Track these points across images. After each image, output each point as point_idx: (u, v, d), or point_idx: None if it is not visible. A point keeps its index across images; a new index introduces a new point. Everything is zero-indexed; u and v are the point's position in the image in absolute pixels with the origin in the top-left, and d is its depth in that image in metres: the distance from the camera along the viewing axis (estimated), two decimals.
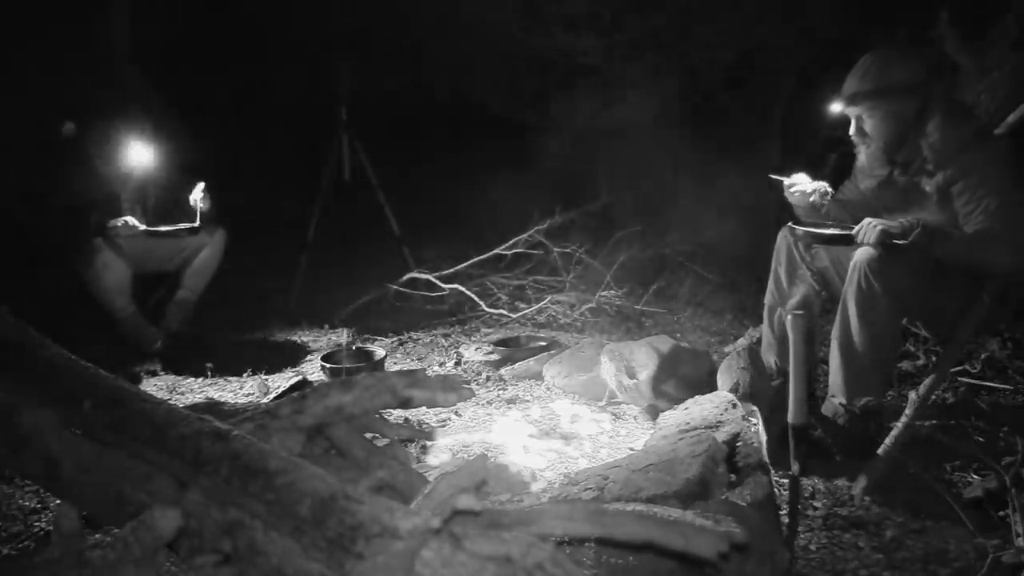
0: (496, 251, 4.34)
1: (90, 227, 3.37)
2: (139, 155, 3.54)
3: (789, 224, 2.67)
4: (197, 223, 3.54)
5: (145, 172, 3.60)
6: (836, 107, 2.53)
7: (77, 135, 3.46)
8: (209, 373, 3.36)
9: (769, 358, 2.87)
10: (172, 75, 4.61)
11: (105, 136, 3.47)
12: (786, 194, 2.71)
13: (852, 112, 2.47)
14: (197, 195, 3.56)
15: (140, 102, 3.63)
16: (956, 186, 2.32)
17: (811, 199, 2.66)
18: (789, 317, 1.87)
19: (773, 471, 2.10)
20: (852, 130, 2.50)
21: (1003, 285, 2.35)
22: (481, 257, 4.36)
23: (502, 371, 3.32)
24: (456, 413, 2.83)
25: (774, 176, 2.71)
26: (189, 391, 3.18)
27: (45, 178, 3.51)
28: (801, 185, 2.66)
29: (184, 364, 3.45)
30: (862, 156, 2.56)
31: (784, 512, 1.91)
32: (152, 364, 3.46)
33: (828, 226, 2.60)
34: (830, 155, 2.71)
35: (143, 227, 3.43)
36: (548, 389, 3.12)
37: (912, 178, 2.46)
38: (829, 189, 2.65)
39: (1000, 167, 2.30)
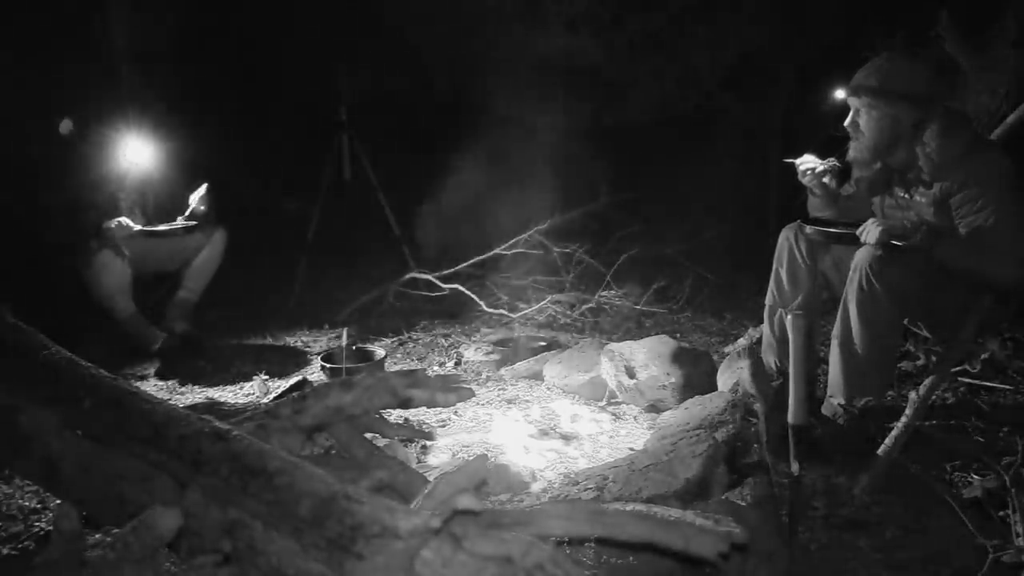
0: (496, 251, 4.34)
1: (88, 227, 3.37)
2: (138, 155, 3.54)
3: (799, 222, 2.66)
4: (193, 223, 3.55)
5: (144, 172, 3.60)
6: (840, 94, 2.53)
7: (75, 133, 3.45)
8: (209, 373, 3.36)
9: (769, 358, 2.87)
10: (172, 75, 4.61)
11: (103, 135, 3.46)
12: (800, 178, 2.69)
13: (853, 103, 2.47)
14: (197, 196, 3.57)
15: (139, 101, 3.63)
16: (955, 198, 2.31)
17: (824, 179, 2.65)
18: (789, 317, 1.87)
19: (773, 471, 2.10)
20: (848, 121, 2.50)
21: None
22: (481, 257, 4.36)
23: (502, 371, 3.32)
24: (456, 413, 2.83)
25: (787, 159, 2.71)
26: (189, 391, 3.18)
27: (43, 178, 3.51)
28: (812, 164, 2.65)
29: (184, 364, 3.45)
30: (851, 149, 2.56)
31: (784, 512, 1.91)
32: (153, 364, 3.46)
33: (837, 224, 2.60)
34: (830, 156, 2.71)
35: (138, 227, 3.43)
36: (548, 389, 3.12)
37: (909, 187, 2.46)
38: (839, 164, 2.65)
39: (999, 177, 2.29)
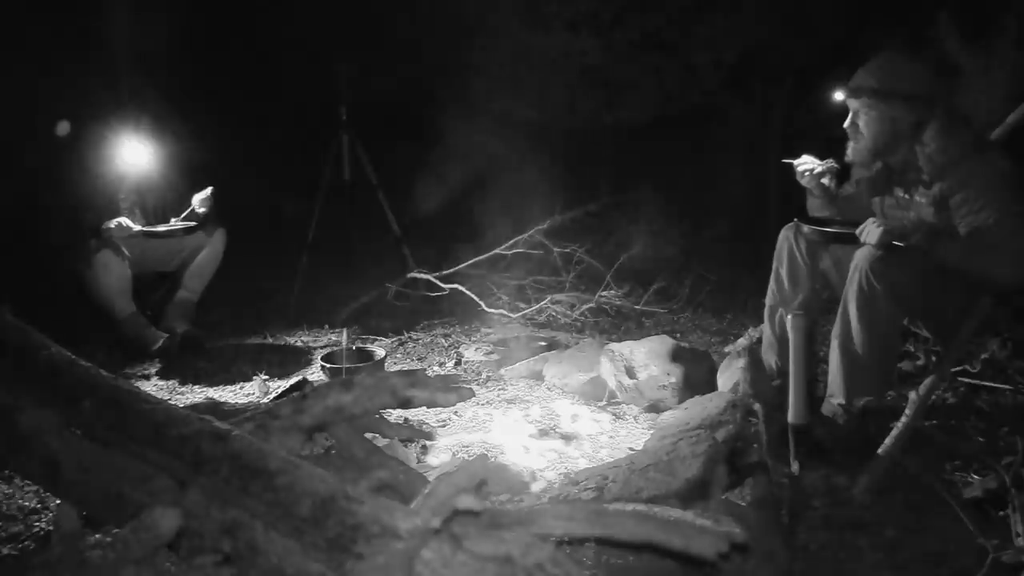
0: (496, 251, 4.34)
1: (87, 228, 3.37)
2: (136, 155, 3.53)
3: (795, 219, 2.66)
4: (193, 224, 3.55)
5: (143, 172, 3.59)
6: (839, 95, 2.52)
7: (73, 135, 3.45)
8: (209, 373, 3.36)
9: (769, 358, 2.86)
10: (173, 75, 4.61)
11: (102, 136, 3.46)
12: (798, 178, 2.70)
13: (852, 104, 2.47)
14: (199, 198, 3.56)
15: (138, 102, 3.63)
16: (955, 198, 2.31)
17: (823, 179, 2.65)
18: (790, 317, 1.88)
19: (773, 471, 2.09)
20: (847, 122, 2.50)
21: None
22: (481, 257, 4.36)
23: (502, 371, 3.32)
24: (456, 413, 2.83)
25: (785, 160, 2.71)
26: (189, 391, 3.18)
27: (42, 179, 3.50)
28: (810, 165, 2.65)
29: (184, 364, 3.45)
30: (849, 149, 2.55)
31: (784, 512, 1.91)
32: (153, 364, 3.45)
33: (835, 223, 2.59)
34: (829, 157, 2.71)
35: (137, 228, 3.43)
36: (548, 389, 3.12)
37: (909, 188, 2.46)
38: (836, 166, 2.65)
39: (999, 178, 2.28)
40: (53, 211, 3.47)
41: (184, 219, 3.58)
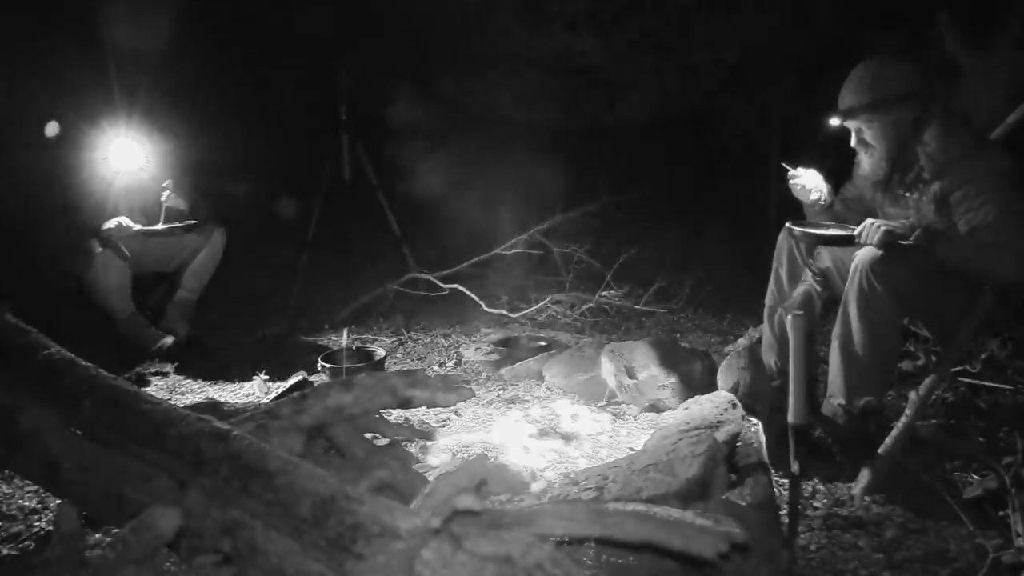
0: (496, 251, 4.34)
1: (83, 229, 3.36)
2: (132, 156, 3.52)
3: (788, 224, 2.66)
4: (192, 221, 3.54)
5: (139, 173, 3.58)
6: (834, 121, 2.53)
7: (63, 135, 3.44)
8: (209, 373, 3.36)
9: (769, 358, 2.86)
10: (171, 74, 4.61)
11: (91, 137, 3.44)
12: (791, 191, 2.71)
13: (851, 125, 2.48)
14: (165, 195, 3.55)
15: (133, 101, 3.61)
16: (955, 195, 2.31)
17: (811, 196, 2.66)
18: (789, 317, 1.87)
19: (773, 471, 2.10)
20: (853, 141, 2.50)
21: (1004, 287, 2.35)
22: (481, 257, 4.36)
23: (502, 371, 3.32)
24: (456, 413, 2.83)
25: (784, 164, 2.71)
26: (189, 391, 3.18)
27: (36, 178, 3.49)
28: (801, 180, 2.66)
29: (184, 364, 3.45)
30: (864, 164, 2.55)
31: (784, 512, 1.91)
32: (160, 365, 3.45)
33: (828, 226, 2.59)
34: (830, 156, 2.71)
35: (137, 227, 3.42)
36: (548, 389, 3.12)
37: (910, 187, 2.46)
38: (827, 195, 2.66)
39: (999, 176, 2.28)
40: (48, 213, 3.45)
41: (165, 221, 3.56)
